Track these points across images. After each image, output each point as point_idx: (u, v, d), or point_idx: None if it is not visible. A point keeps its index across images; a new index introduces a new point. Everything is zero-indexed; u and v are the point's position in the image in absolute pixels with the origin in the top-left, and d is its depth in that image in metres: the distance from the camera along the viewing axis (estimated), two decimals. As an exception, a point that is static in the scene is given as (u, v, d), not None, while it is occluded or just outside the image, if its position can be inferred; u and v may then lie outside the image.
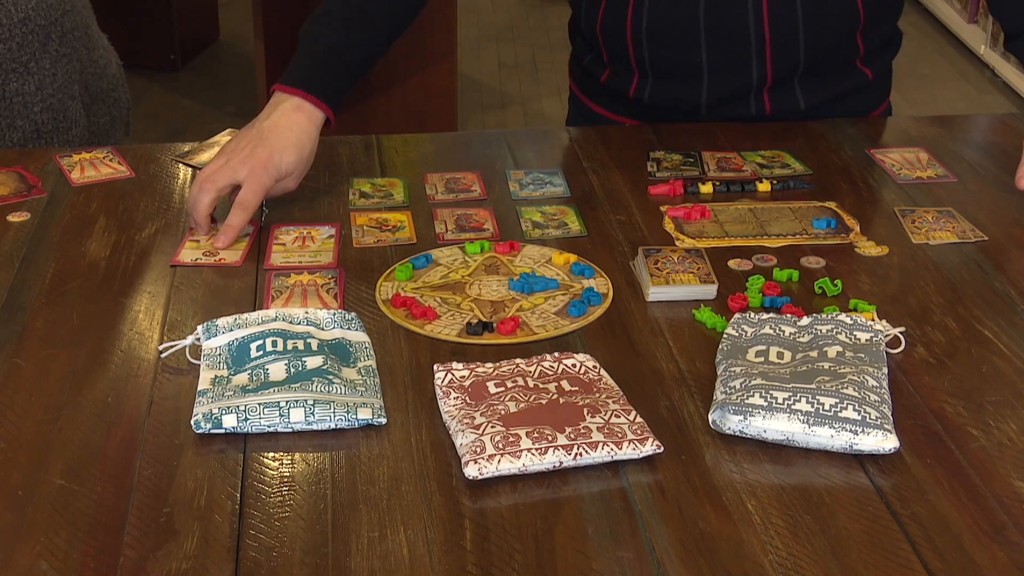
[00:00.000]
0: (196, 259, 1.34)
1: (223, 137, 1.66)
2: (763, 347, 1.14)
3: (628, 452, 1.00)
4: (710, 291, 1.26)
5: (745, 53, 1.61)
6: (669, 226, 1.42)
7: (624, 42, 1.64)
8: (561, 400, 1.06)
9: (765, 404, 1.03)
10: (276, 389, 1.07)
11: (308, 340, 1.14)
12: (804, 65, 1.63)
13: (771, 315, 1.19)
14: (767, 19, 1.58)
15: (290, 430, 1.05)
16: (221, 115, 4.34)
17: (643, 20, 1.60)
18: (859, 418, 1.01)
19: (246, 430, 1.04)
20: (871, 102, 1.75)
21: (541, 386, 1.08)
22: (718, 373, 1.11)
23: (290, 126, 1.43)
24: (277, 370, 1.10)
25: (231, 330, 1.15)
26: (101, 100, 1.84)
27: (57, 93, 1.73)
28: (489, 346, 1.18)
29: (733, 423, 1.03)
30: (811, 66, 1.64)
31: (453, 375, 1.11)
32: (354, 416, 1.05)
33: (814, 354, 1.12)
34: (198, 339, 1.15)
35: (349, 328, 1.18)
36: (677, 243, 1.38)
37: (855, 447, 1.01)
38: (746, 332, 1.17)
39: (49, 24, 1.69)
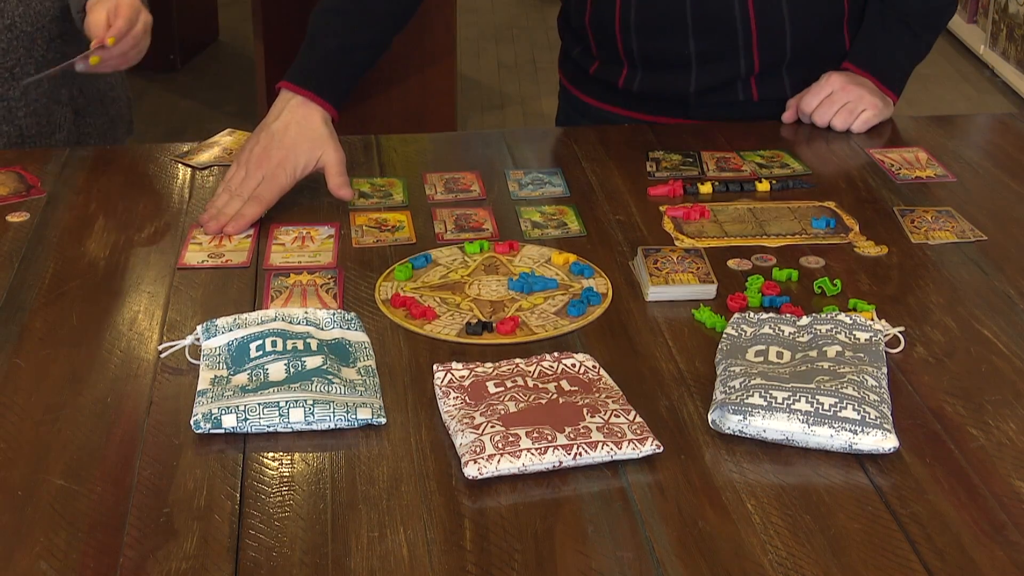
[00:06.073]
0: (202, 261, 1.34)
1: (223, 137, 1.66)
2: (763, 347, 1.14)
3: (628, 452, 1.00)
4: (709, 291, 1.26)
5: (732, 44, 1.64)
6: (668, 226, 1.42)
7: (612, 34, 1.67)
8: (561, 400, 1.06)
9: (765, 404, 1.03)
10: (276, 389, 1.06)
11: (308, 340, 1.14)
12: (791, 55, 1.65)
13: (770, 315, 1.19)
14: (753, 10, 1.60)
15: (290, 430, 1.05)
16: (221, 115, 4.34)
17: (631, 12, 1.64)
18: (858, 418, 1.01)
19: (246, 430, 1.04)
20: None
21: (541, 386, 1.08)
22: (717, 373, 1.11)
23: (300, 122, 1.45)
24: (277, 370, 1.10)
25: (231, 330, 1.15)
26: (98, 101, 1.83)
27: (42, 99, 1.72)
28: (489, 346, 1.18)
29: (733, 423, 1.03)
30: (798, 56, 1.66)
31: (453, 375, 1.11)
32: (354, 416, 1.05)
33: (813, 354, 1.12)
34: (198, 339, 1.15)
35: (349, 328, 1.18)
36: (676, 243, 1.38)
37: (855, 447, 1.01)
38: (745, 332, 1.17)
39: (35, 31, 1.68)
